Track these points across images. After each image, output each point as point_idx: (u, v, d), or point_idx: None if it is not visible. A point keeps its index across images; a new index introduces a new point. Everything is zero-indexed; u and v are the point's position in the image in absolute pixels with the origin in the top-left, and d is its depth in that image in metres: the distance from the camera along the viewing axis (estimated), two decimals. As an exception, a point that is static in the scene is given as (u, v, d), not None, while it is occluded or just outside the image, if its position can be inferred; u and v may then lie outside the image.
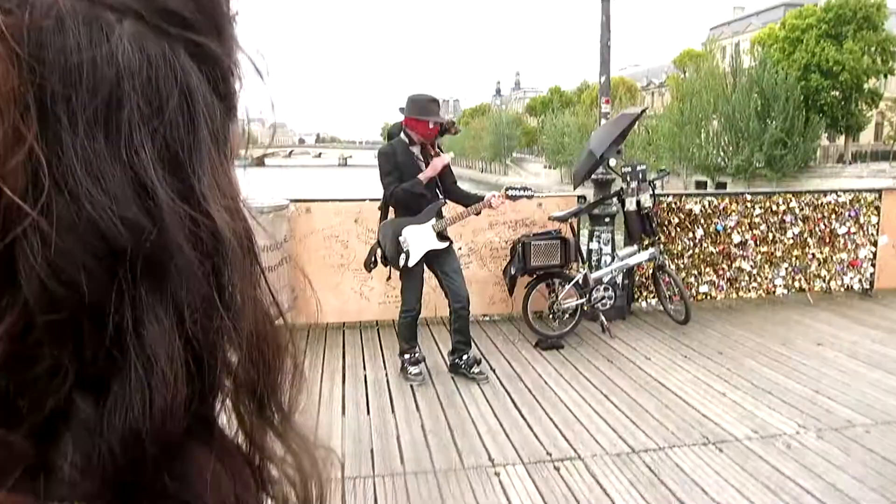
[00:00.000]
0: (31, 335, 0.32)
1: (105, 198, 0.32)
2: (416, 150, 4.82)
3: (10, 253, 0.31)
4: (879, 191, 7.72)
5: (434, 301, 5.76)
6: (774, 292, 7.38)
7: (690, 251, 7.09)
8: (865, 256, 7.51)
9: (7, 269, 0.31)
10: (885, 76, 44.74)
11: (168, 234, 0.34)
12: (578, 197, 6.76)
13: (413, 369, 5.05)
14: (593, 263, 6.55)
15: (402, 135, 4.86)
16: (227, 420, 0.40)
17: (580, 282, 6.11)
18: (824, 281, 7.45)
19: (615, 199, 6.55)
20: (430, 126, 4.77)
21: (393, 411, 4.54)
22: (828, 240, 7.38)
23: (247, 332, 0.39)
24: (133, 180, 0.33)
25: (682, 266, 7.06)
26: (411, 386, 4.94)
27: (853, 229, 7.43)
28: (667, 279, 6.49)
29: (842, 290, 7.52)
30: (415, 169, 4.81)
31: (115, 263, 0.33)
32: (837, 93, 42.61)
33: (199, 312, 0.36)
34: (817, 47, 41.48)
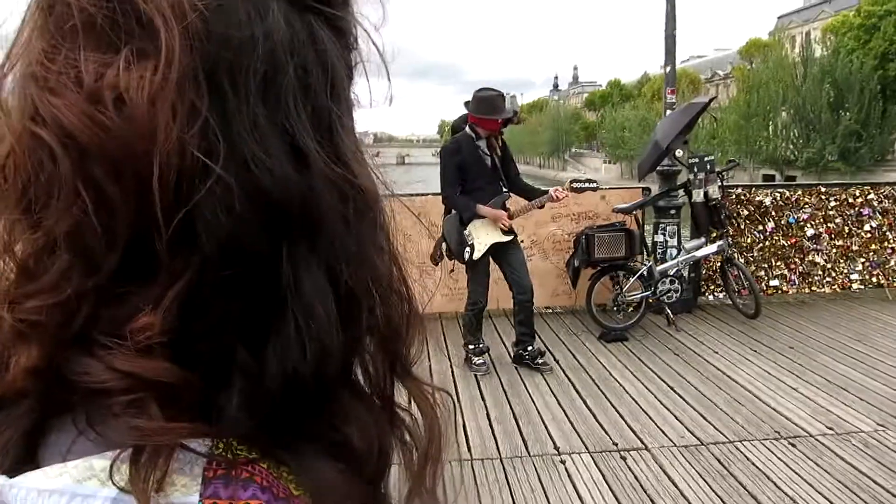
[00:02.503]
0: (206, 289, 0.35)
1: (270, 161, 0.35)
2: (482, 143, 4.88)
3: (187, 215, 0.34)
4: (964, 182, 7.36)
5: (497, 293, 5.76)
6: (850, 287, 7.11)
7: (760, 244, 6.91)
8: (948, 250, 7.16)
9: (185, 230, 0.34)
10: (970, 63, 42.48)
11: (322, 194, 0.37)
12: (643, 189, 6.68)
13: (477, 360, 5.10)
14: (658, 256, 6.45)
15: (467, 129, 4.92)
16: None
17: (645, 274, 6.05)
18: (904, 276, 7.15)
19: (681, 191, 6.45)
20: (498, 122, 4.84)
21: (458, 400, 4.59)
22: (908, 233, 7.07)
23: (387, 285, 0.42)
24: (290, 145, 0.36)
25: (751, 259, 6.89)
26: (475, 376, 4.99)
27: (935, 222, 7.10)
28: (735, 273, 6.34)
29: (922, 285, 7.21)
30: (481, 163, 4.88)
31: (277, 223, 0.36)
32: (917, 82, 40.65)
33: (351, 266, 0.39)
34: None
